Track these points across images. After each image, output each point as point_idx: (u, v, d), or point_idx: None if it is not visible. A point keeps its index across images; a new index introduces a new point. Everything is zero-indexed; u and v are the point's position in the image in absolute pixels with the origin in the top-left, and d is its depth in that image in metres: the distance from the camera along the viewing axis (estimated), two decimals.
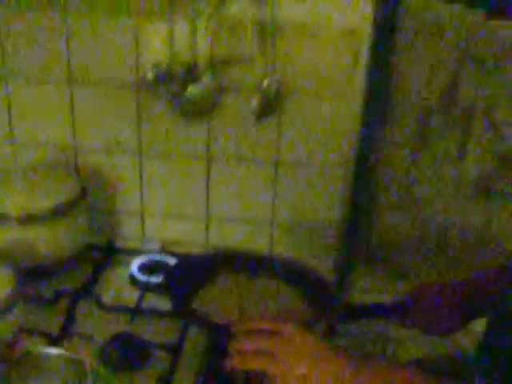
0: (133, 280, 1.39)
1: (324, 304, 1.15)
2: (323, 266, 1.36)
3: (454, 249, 1.35)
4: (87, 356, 1.01)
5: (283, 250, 1.51)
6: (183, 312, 1.20)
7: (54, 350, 1.03)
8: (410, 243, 1.41)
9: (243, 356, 0.80)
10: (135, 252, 1.47)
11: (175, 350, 1.19)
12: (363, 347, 1.37)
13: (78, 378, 0.98)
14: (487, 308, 1.01)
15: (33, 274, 1.29)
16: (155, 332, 1.23)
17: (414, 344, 1.33)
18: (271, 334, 0.82)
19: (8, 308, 1.11)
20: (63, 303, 1.29)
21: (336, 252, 1.49)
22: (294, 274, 1.24)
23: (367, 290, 1.39)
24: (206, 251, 1.51)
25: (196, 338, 1.23)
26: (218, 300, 1.19)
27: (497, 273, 1.05)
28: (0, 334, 1.08)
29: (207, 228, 1.54)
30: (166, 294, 1.25)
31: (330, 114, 1.40)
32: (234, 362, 0.81)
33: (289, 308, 1.15)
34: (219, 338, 1.10)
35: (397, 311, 1.12)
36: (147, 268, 1.41)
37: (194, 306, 1.17)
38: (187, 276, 1.23)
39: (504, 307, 0.93)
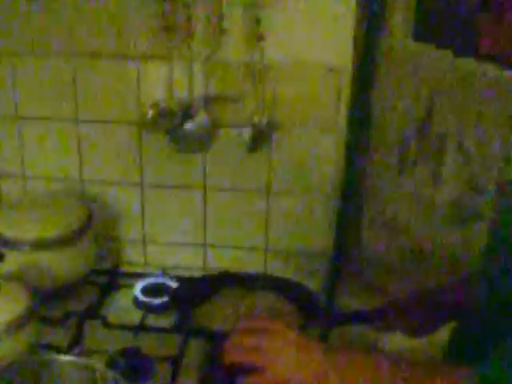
0: (136, 302, 1.48)
1: (312, 313, 1.27)
2: (312, 284, 1.46)
3: (430, 268, 1.46)
4: (97, 363, 1.11)
5: (276, 272, 1.61)
6: (185, 326, 1.31)
7: (66, 358, 1.12)
8: (392, 262, 1.51)
9: (236, 351, 0.91)
10: (138, 276, 1.56)
11: (176, 362, 1.28)
12: None
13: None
14: (454, 313, 1.13)
15: (43, 295, 1.38)
16: (157, 347, 1.33)
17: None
18: (260, 331, 0.92)
19: (23, 324, 1.20)
20: (72, 322, 1.38)
21: (324, 271, 1.59)
22: (286, 288, 1.36)
23: (351, 303, 1.48)
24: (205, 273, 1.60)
25: (195, 351, 1.32)
26: (217, 314, 1.29)
27: (462, 282, 1.16)
28: (16, 347, 1.18)
29: (205, 253, 1.64)
30: (171, 312, 1.36)
31: (317, 146, 1.50)
32: (228, 357, 0.91)
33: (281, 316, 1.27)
34: (217, 347, 1.19)
35: (377, 317, 1.23)
36: (149, 290, 1.50)
37: (196, 320, 1.28)
38: (190, 295, 1.34)
39: (467, 313, 1.04)
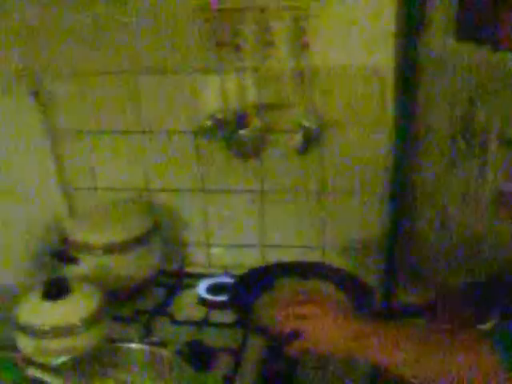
0: (200, 300, 1.58)
1: (366, 303, 1.33)
2: (368, 279, 1.51)
3: (484, 260, 1.49)
4: (165, 351, 1.21)
5: None
6: (244, 323, 1.40)
7: (137, 346, 1.23)
8: (446, 255, 1.55)
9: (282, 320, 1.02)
10: (202, 276, 1.67)
11: (237, 354, 1.37)
12: None
13: (160, 370, 1.18)
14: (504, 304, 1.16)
15: (115, 295, 1.49)
16: (220, 340, 1.42)
17: None
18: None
19: (95, 321, 1.32)
20: (142, 319, 1.50)
21: (381, 267, 1.64)
22: (341, 278, 1.43)
23: (407, 297, 1.53)
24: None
25: (255, 344, 1.41)
26: (274, 305, 1.37)
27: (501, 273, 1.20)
28: (90, 341, 1.30)
29: (264, 253, 1.73)
30: (231, 309, 1.44)
31: (366, 146, 1.57)
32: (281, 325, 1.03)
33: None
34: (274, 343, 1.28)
35: (429, 310, 1.28)
36: (212, 289, 1.60)
37: (255, 313, 1.36)
38: (248, 289, 1.43)
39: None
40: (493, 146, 1.42)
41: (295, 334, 1.04)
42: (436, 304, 1.27)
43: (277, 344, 1.11)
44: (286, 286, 1.44)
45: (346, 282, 1.43)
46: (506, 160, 1.41)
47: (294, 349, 1.06)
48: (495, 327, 0.92)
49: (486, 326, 1.22)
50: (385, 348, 0.96)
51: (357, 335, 0.98)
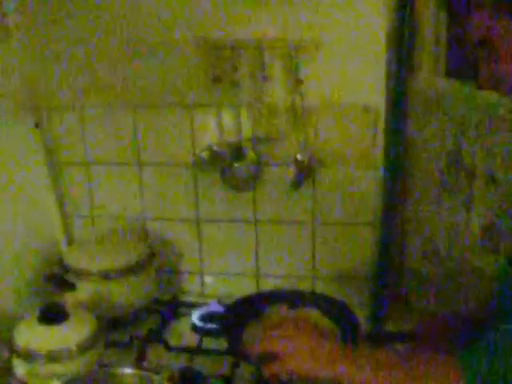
0: (194, 327, 1.61)
1: (353, 331, 1.37)
2: (358, 307, 1.55)
3: (469, 292, 1.53)
4: (158, 377, 1.24)
5: None
6: (233, 351, 1.43)
7: (130, 371, 1.26)
8: (433, 286, 1.59)
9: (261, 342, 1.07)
10: (196, 304, 1.70)
11: (229, 381, 1.40)
12: None
13: None
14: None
15: (110, 322, 1.53)
16: (212, 367, 1.44)
17: None
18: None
19: (90, 346, 1.35)
20: (136, 345, 1.52)
21: (370, 297, 1.68)
22: (330, 307, 1.47)
23: (395, 326, 1.56)
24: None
25: (245, 371, 1.43)
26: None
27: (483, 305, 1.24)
28: (84, 366, 1.33)
29: (257, 282, 1.77)
30: (223, 338, 1.47)
31: (357, 180, 1.62)
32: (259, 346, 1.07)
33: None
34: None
35: (411, 338, 1.31)
36: (206, 317, 1.63)
37: (244, 340, 1.39)
38: (238, 317, 1.46)
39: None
40: (479, 181, 1.47)
41: (272, 355, 1.07)
42: (419, 332, 1.31)
43: (254, 366, 1.13)
44: (276, 314, 1.47)
45: (334, 310, 1.46)
46: (492, 196, 1.46)
47: (270, 370, 1.07)
48: (464, 354, 0.95)
49: None
50: (360, 372, 0.99)
51: (334, 358, 1.01)
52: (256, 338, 1.15)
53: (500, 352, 0.87)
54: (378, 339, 1.40)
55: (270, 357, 1.05)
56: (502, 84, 0.96)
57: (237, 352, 1.42)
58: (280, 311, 1.47)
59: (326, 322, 1.44)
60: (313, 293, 1.61)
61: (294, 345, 1.03)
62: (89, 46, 1.61)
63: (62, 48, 1.63)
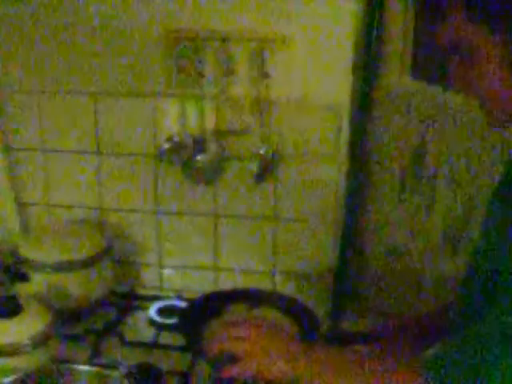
0: (151, 321, 1.58)
1: (311, 330, 1.37)
2: (316, 305, 1.55)
3: (427, 293, 1.54)
4: (114, 373, 1.21)
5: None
6: (192, 349, 1.41)
7: (85, 368, 1.23)
8: (391, 286, 1.60)
9: (219, 342, 1.05)
10: (154, 298, 1.67)
11: (186, 377, 1.38)
12: None
13: None
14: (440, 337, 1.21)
15: (65, 314, 1.48)
16: (169, 363, 1.42)
17: None
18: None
19: (44, 340, 1.31)
20: (91, 339, 1.49)
21: (329, 295, 1.68)
22: (289, 306, 1.46)
23: (352, 325, 1.57)
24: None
25: (203, 367, 1.42)
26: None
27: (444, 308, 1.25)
28: (37, 360, 1.29)
29: (217, 276, 1.74)
30: (180, 333, 1.44)
31: (319, 175, 1.61)
32: (212, 347, 1.06)
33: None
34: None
35: (370, 339, 1.32)
36: (164, 311, 1.60)
37: (203, 338, 1.38)
38: (198, 314, 1.44)
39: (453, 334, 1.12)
40: (441, 183, 1.48)
41: (230, 357, 1.05)
42: (379, 333, 1.31)
43: (212, 368, 1.11)
44: (236, 312, 1.46)
45: (294, 310, 1.46)
46: (453, 196, 1.47)
47: (228, 372, 1.05)
48: (427, 357, 0.95)
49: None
50: (321, 372, 0.98)
51: (295, 357, 1.00)
52: (215, 337, 1.13)
53: (468, 356, 0.87)
54: (337, 339, 1.40)
55: (229, 359, 1.03)
56: (471, 88, 0.96)
57: (195, 349, 1.40)
58: (240, 310, 1.45)
59: (285, 322, 1.43)
60: (273, 292, 1.60)
61: (253, 345, 1.02)
62: (49, 31, 1.56)
63: (20, 32, 1.57)
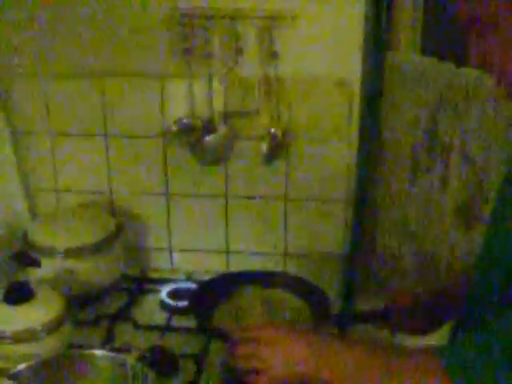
0: (162, 305, 1.58)
1: (323, 311, 1.36)
2: (329, 286, 1.53)
3: (440, 270, 1.53)
4: (128, 357, 1.20)
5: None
6: (204, 329, 1.40)
7: (99, 352, 1.22)
8: (405, 265, 1.59)
9: (238, 358, 1.04)
10: (165, 281, 1.66)
11: (200, 359, 1.38)
12: None
13: (123, 376, 1.17)
14: (453, 313, 1.19)
15: (77, 300, 1.48)
16: (182, 345, 1.42)
17: None
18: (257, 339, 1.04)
19: (57, 326, 1.30)
20: (104, 324, 1.49)
21: (342, 275, 1.67)
22: (300, 287, 1.46)
23: (366, 304, 1.56)
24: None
25: (217, 350, 1.42)
26: (235, 313, 1.39)
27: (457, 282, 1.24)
28: (52, 346, 1.29)
29: (227, 259, 1.74)
30: (191, 314, 1.44)
31: (330, 154, 1.60)
32: (233, 363, 1.05)
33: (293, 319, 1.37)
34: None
35: (381, 317, 1.31)
36: (175, 294, 1.60)
37: (215, 319, 1.38)
38: (209, 296, 1.43)
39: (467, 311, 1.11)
40: (455, 159, 1.45)
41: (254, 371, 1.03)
42: (389, 311, 1.30)
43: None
44: (247, 294, 1.45)
45: (305, 290, 1.45)
46: (466, 173, 1.45)
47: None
48: (445, 346, 0.93)
49: (436, 335, 1.26)
50: (346, 368, 0.97)
51: (320, 354, 0.99)
52: (228, 319, 1.13)
53: (488, 349, 0.86)
54: (350, 319, 1.38)
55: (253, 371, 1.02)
56: (492, 62, 0.93)
57: (206, 330, 1.40)
58: (251, 292, 1.45)
59: (296, 303, 1.43)
60: (283, 273, 1.59)
61: (275, 348, 1.01)
62: (53, 14, 1.54)
63: (23, 14, 1.55)
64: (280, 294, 1.47)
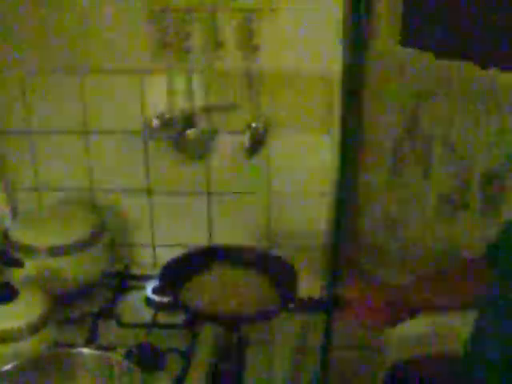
0: (147, 301, 1.57)
1: (291, 288, 1.38)
2: (315, 276, 1.55)
3: (424, 259, 1.54)
4: (114, 355, 1.20)
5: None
6: (174, 303, 1.42)
7: (85, 351, 1.22)
8: (388, 253, 1.60)
9: None
10: (148, 277, 1.65)
11: (187, 355, 1.38)
12: None
13: (110, 374, 1.17)
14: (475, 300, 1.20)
15: (60, 298, 1.46)
16: (169, 341, 1.42)
17: None
18: None
19: (42, 325, 1.29)
20: (88, 322, 1.48)
21: (325, 266, 1.68)
22: (269, 262, 1.48)
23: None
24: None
25: (203, 345, 1.42)
26: (203, 290, 1.40)
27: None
28: (37, 346, 1.28)
29: None
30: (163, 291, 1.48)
31: (312, 148, 1.59)
32: None
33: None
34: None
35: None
36: (159, 290, 1.59)
37: (184, 298, 1.38)
38: (176, 273, 1.44)
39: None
40: (436, 150, 1.47)
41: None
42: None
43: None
44: (215, 270, 1.47)
45: (273, 266, 1.46)
46: (448, 163, 1.46)
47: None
48: None
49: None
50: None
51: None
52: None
53: None
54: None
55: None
56: None
57: (179, 305, 1.40)
58: (220, 268, 1.47)
59: (264, 282, 1.44)
60: (254, 249, 1.56)
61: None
62: (32, 10, 1.52)
63: (3, 11, 1.53)
64: (249, 272, 1.47)
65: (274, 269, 1.46)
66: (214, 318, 1.35)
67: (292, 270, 1.43)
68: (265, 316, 1.36)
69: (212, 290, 1.40)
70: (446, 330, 1.53)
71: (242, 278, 1.45)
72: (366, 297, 1.27)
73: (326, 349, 1.76)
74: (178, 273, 1.43)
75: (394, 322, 1.25)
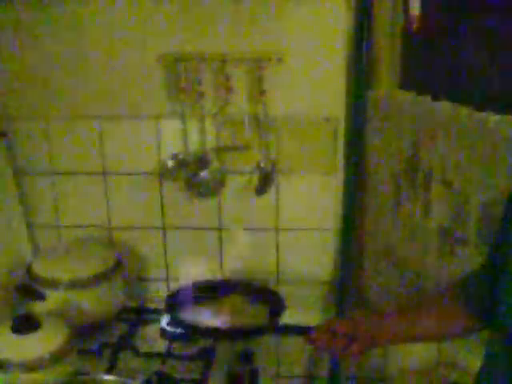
0: (163, 333, 1.64)
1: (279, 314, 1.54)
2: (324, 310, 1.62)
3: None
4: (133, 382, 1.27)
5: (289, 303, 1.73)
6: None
7: (109, 377, 1.28)
8: (393, 290, 1.67)
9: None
10: (163, 310, 1.71)
11: None
12: None
13: None
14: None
15: (80, 330, 1.53)
16: (184, 371, 1.49)
17: None
18: None
19: (63, 355, 1.36)
20: (107, 353, 1.55)
21: (333, 300, 1.76)
22: (257, 292, 1.65)
23: None
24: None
25: (216, 375, 1.49)
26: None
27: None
28: (58, 376, 1.35)
29: None
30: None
31: (318, 186, 1.69)
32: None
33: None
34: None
35: None
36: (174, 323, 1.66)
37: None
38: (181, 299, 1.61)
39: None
40: (436, 186, 1.54)
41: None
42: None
43: None
44: (212, 300, 1.63)
45: (263, 295, 1.64)
46: (447, 199, 1.53)
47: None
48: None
49: None
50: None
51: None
52: None
53: None
54: None
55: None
56: None
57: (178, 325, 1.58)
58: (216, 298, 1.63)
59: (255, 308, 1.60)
60: (241, 282, 1.71)
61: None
62: (55, 59, 1.64)
63: (29, 60, 1.64)
64: (241, 300, 1.63)
65: (268, 300, 1.61)
66: (207, 332, 1.50)
67: (282, 301, 1.60)
68: (253, 331, 1.49)
69: (210, 312, 1.56)
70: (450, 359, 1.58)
71: (238, 306, 1.60)
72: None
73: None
74: (182, 301, 1.60)
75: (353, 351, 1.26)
